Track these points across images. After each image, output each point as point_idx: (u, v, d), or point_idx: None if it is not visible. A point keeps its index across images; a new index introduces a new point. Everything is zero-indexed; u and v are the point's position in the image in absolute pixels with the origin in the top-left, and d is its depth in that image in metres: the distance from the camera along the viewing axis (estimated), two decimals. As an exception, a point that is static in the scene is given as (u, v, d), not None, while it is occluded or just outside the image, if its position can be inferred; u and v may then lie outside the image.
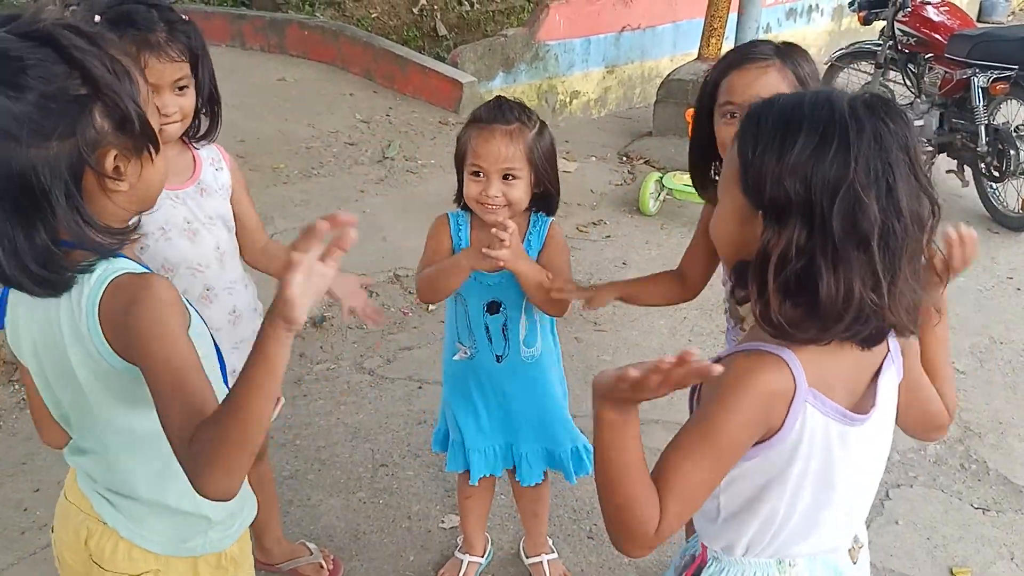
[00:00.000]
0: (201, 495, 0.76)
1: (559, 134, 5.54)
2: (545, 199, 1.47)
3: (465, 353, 1.55)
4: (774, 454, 0.85)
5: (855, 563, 1.00)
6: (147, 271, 0.87)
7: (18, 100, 0.74)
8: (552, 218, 1.51)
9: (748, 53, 1.32)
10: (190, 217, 1.38)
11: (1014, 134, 3.66)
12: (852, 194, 0.75)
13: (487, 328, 1.51)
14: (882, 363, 0.90)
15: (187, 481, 0.88)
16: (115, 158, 0.80)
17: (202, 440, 0.76)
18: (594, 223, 3.82)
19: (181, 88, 1.29)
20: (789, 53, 1.32)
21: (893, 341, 0.92)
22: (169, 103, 1.27)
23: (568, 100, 5.79)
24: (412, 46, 5.50)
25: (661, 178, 3.92)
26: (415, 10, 5.80)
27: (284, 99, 4.69)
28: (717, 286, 1.53)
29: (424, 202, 3.80)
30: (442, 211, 1.56)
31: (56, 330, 0.85)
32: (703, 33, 5.05)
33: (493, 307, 1.49)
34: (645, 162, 4.68)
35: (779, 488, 0.87)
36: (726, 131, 1.32)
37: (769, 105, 0.82)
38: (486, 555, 1.83)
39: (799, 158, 0.76)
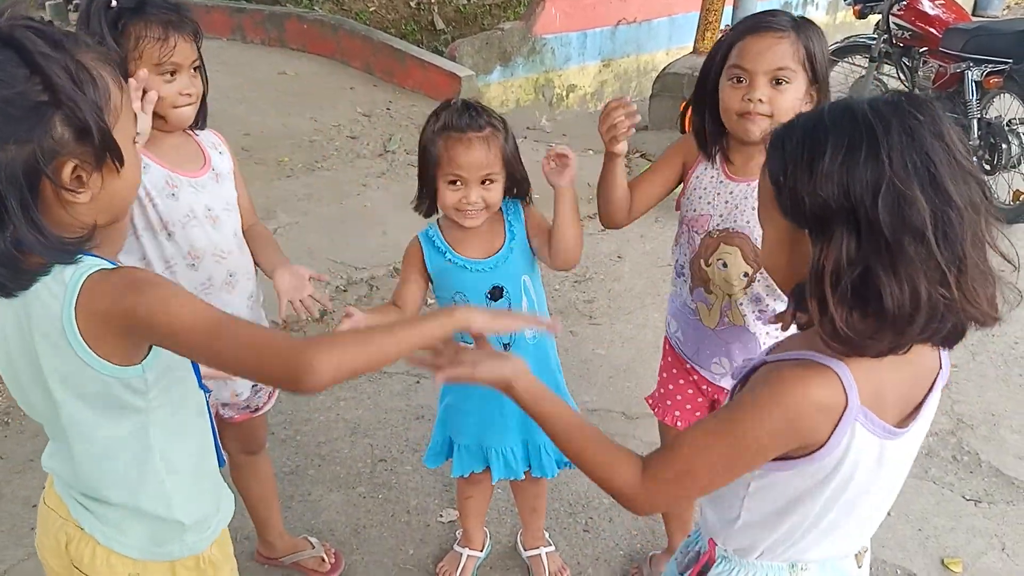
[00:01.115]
0: (306, 378, 0.78)
1: (556, 128, 5.59)
2: (516, 188, 1.47)
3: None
4: (814, 468, 0.83)
5: (860, 567, 1.00)
6: (116, 265, 0.85)
7: None
8: (520, 205, 1.51)
9: (767, 21, 1.33)
10: (210, 204, 1.39)
11: (1006, 128, 3.68)
12: (894, 190, 0.73)
13: None
14: (935, 379, 0.89)
15: (159, 487, 0.93)
16: (74, 168, 0.78)
17: (323, 340, 0.81)
18: (590, 217, 3.82)
19: (195, 70, 1.32)
20: (804, 28, 1.33)
21: (945, 356, 0.90)
22: (189, 83, 1.31)
23: (565, 94, 5.80)
24: (410, 40, 5.50)
25: (658, 172, 3.93)
26: (413, 4, 5.79)
27: (286, 93, 4.70)
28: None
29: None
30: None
31: (27, 334, 0.84)
32: (698, 27, 5.05)
33: (496, 293, 1.48)
34: (641, 155, 4.69)
35: (811, 500, 0.86)
36: (729, 94, 1.35)
37: (790, 126, 0.81)
38: (485, 549, 1.86)
39: (831, 167, 0.75)
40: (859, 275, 0.75)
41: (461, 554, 1.81)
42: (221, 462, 1.08)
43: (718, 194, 1.42)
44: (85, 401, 0.88)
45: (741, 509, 0.91)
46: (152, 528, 0.97)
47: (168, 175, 1.34)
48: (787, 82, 1.31)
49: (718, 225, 1.41)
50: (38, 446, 2.17)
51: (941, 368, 0.90)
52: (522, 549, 1.86)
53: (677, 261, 1.54)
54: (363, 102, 4.79)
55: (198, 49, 1.33)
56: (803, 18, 1.35)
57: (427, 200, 1.46)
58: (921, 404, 0.87)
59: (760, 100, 1.31)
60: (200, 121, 1.40)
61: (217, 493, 1.06)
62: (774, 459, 0.84)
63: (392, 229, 3.52)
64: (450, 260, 1.47)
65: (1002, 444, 2.31)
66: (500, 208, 1.47)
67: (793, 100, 1.32)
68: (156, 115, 1.29)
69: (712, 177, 1.44)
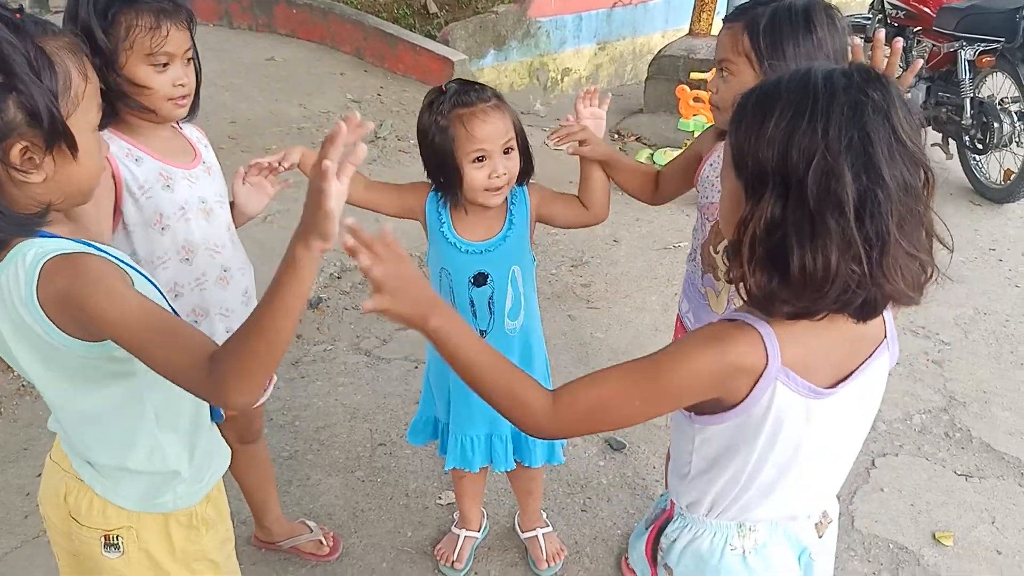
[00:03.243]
0: (226, 407, 0.80)
1: (551, 112, 5.55)
2: (522, 162, 1.45)
3: None
4: (740, 421, 0.87)
5: (820, 537, 1.02)
6: (79, 249, 0.85)
7: None
8: (524, 188, 1.50)
9: (736, 10, 1.35)
10: (204, 196, 1.37)
11: (998, 107, 3.69)
12: (825, 163, 0.74)
13: (472, 302, 1.49)
14: (877, 348, 0.90)
15: (153, 445, 0.94)
16: (23, 150, 0.80)
17: (227, 358, 0.80)
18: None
19: (189, 59, 1.29)
20: (761, 22, 1.26)
21: (891, 327, 0.92)
22: (183, 74, 1.27)
23: (560, 77, 5.76)
24: (402, 24, 5.45)
25: (652, 155, 3.93)
26: (404, -13, 5.73)
27: (274, 79, 4.65)
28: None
29: (417, 181, 3.80)
30: None
31: (10, 314, 0.86)
32: (694, 8, 5.02)
33: (479, 279, 1.48)
34: (636, 139, 4.69)
35: (745, 453, 0.89)
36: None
37: (753, 89, 0.84)
38: (482, 530, 1.87)
39: (774, 131, 0.77)
40: (777, 240, 0.77)
41: (458, 535, 1.82)
42: (217, 416, 1.09)
43: None
44: (66, 375, 0.91)
45: (691, 463, 0.95)
46: (146, 481, 1.00)
47: (162, 167, 1.32)
48: (730, 74, 1.31)
49: None
50: (31, 435, 2.17)
51: (886, 337, 0.92)
52: (519, 530, 1.87)
53: (692, 244, 1.55)
54: (353, 88, 4.75)
55: (192, 37, 1.29)
56: (779, 8, 1.27)
57: (451, 191, 1.41)
58: (858, 368, 0.89)
59: (712, 90, 1.36)
60: (194, 109, 1.37)
61: (211, 447, 1.08)
62: (707, 412, 0.88)
63: (384, 216, 3.50)
64: (444, 233, 1.46)
65: (993, 421, 2.34)
66: (505, 200, 1.46)
67: (733, 93, 1.27)
68: (146, 108, 1.26)
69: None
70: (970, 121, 3.72)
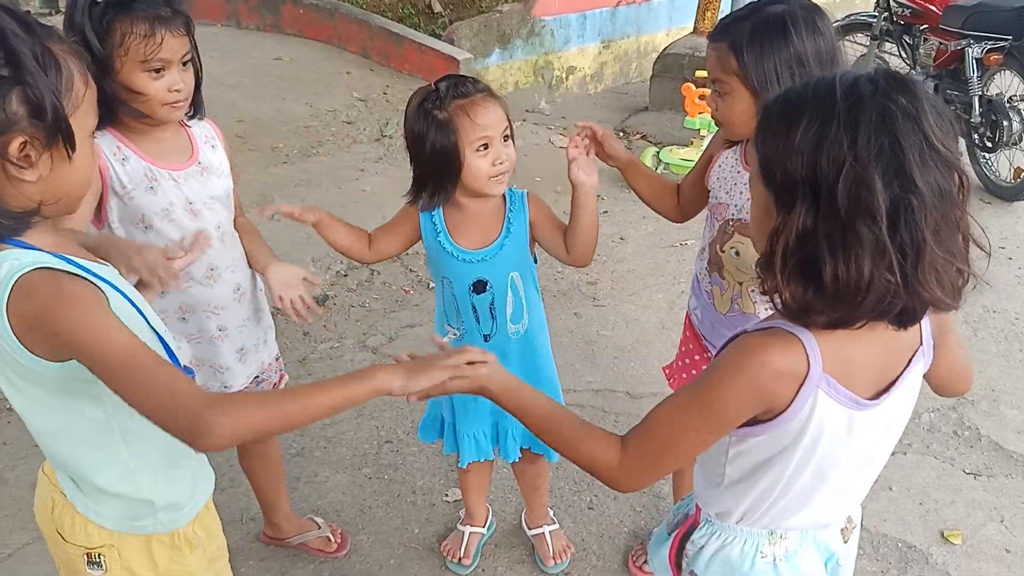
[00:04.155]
0: (197, 448, 0.79)
1: (555, 110, 5.55)
2: None
3: (454, 334, 1.56)
4: (780, 432, 0.85)
5: (846, 542, 1.01)
6: (57, 265, 0.83)
7: None
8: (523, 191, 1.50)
9: (717, 28, 1.33)
10: (192, 197, 1.37)
11: (1007, 105, 3.67)
12: (855, 172, 0.73)
13: (474, 307, 1.50)
14: (914, 355, 0.89)
15: (123, 470, 0.93)
16: (23, 145, 0.79)
17: (239, 411, 0.80)
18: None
19: (185, 64, 1.29)
20: (743, 39, 1.24)
21: (927, 334, 0.91)
22: (179, 79, 1.27)
23: (564, 76, 5.76)
24: (407, 23, 5.45)
25: (658, 153, 3.92)
26: (409, -13, 5.74)
27: (281, 78, 4.66)
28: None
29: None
30: None
31: None
32: (698, 6, 5.01)
33: (479, 286, 1.48)
34: (642, 137, 4.68)
35: (781, 464, 0.88)
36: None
37: (777, 96, 0.83)
38: (488, 526, 1.87)
39: (802, 140, 0.76)
40: (809, 250, 0.76)
41: (464, 532, 1.82)
42: None
43: (735, 184, 1.41)
44: (29, 391, 0.89)
45: (724, 474, 0.94)
46: (123, 504, 0.99)
47: (148, 168, 1.32)
48: (725, 93, 1.29)
49: (734, 215, 1.41)
50: None
51: (922, 344, 0.90)
52: (526, 527, 1.87)
53: (701, 243, 1.55)
54: (359, 87, 4.76)
55: (190, 40, 1.29)
56: (765, 16, 1.25)
57: (445, 188, 1.40)
58: (898, 378, 0.88)
59: (712, 107, 1.36)
60: (194, 111, 1.37)
61: (193, 476, 1.06)
62: (746, 424, 0.86)
63: (391, 213, 3.47)
64: (441, 243, 1.46)
65: (1002, 419, 2.33)
66: (504, 195, 1.46)
67: (736, 112, 1.29)
68: (141, 114, 1.27)
69: (732, 165, 1.43)
70: (979, 119, 3.70)
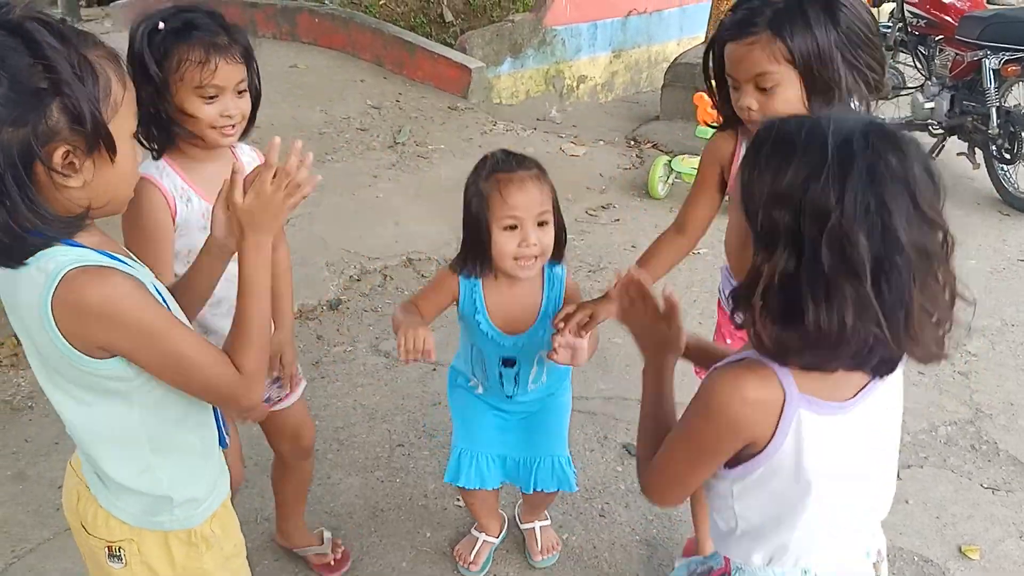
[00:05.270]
0: (252, 405, 0.96)
1: (567, 119, 5.56)
2: (556, 243, 1.43)
3: (477, 386, 1.60)
4: (775, 460, 0.85)
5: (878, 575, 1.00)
6: (105, 262, 0.86)
7: None
8: (563, 268, 1.49)
9: (738, 25, 1.25)
10: None
11: (1026, 116, 3.65)
12: (840, 229, 0.73)
13: (500, 374, 1.53)
14: None
15: (144, 467, 0.98)
16: (66, 154, 0.81)
17: (249, 363, 0.94)
18: (603, 207, 3.83)
19: (240, 92, 1.30)
20: (785, 21, 1.20)
21: None
22: (231, 106, 1.28)
23: (575, 85, 5.78)
24: (420, 32, 5.50)
25: (670, 162, 3.92)
26: (422, -4, 5.79)
27: (296, 86, 4.71)
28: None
29: (435, 186, 3.82)
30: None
31: (24, 314, 0.88)
32: (710, 17, 5.02)
33: (508, 362, 1.51)
34: (653, 146, 4.68)
35: (788, 489, 0.87)
36: (734, 96, 1.31)
37: (769, 130, 0.81)
38: (501, 535, 1.86)
39: (788, 188, 0.75)
40: (791, 294, 0.76)
41: (477, 538, 1.82)
42: (223, 443, 1.09)
43: None
44: (63, 383, 0.92)
45: (736, 517, 0.93)
46: (142, 500, 1.00)
47: (206, 209, 1.32)
48: (774, 85, 1.22)
49: None
50: (62, 429, 2.15)
51: None
52: (519, 521, 1.88)
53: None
54: (373, 94, 4.80)
55: (249, 67, 1.30)
56: (792, 4, 1.20)
57: (478, 259, 1.39)
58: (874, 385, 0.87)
59: (750, 108, 1.27)
60: (248, 132, 1.37)
61: (213, 474, 1.07)
62: (741, 462, 0.87)
63: (404, 220, 3.53)
64: (478, 321, 1.47)
65: (1021, 434, 2.30)
66: (543, 272, 1.46)
67: (786, 103, 1.23)
68: (193, 134, 1.28)
69: None
70: (997, 131, 3.68)
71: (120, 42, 1.28)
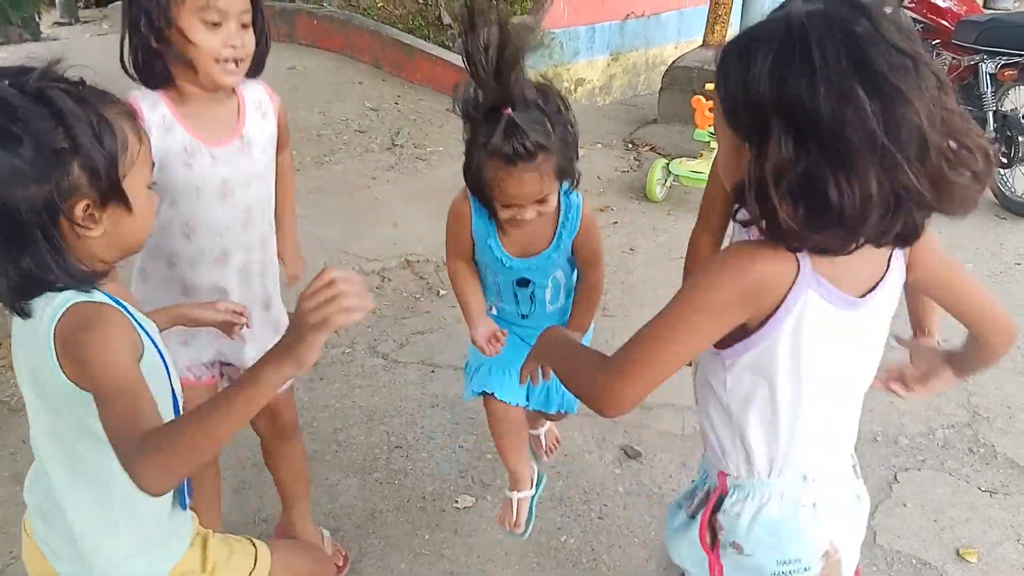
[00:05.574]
0: (138, 487, 0.79)
1: (567, 122, 5.54)
2: (569, 174, 1.40)
3: (491, 309, 1.62)
4: (769, 345, 0.84)
5: (857, 478, 1.01)
6: (107, 301, 0.92)
7: (6, 148, 0.83)
8: (580, 197, 1.47)
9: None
10: (227, 176, 1.31)
11: (1022, 120, 3.66)
12: (833, 88, 0.71)
13: (515, 294, 1.56)
14: (889, 257, 0.89)
15: (108, 523, 0.98)
16: (87, 207, 0.88)
17: (158, 439, 0.80)
18: (601, 210, 3.83)
19: (244, 25, 1.24)
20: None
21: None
22: (236, 37, 1.21)
23: (573, 88, 5.79)
24: (418, 35, 5.51)
25: (668, 164, 3.93)
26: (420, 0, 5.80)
27: (295, 87, 4.71)
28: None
29: (434, 188, 3.82)
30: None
31: (31, 355, 0.92)
32: (708, 20, 5.04)
33: (523, 282, 1.54)
34: (651, 149, 4.69)
35: (780, 374, 0.86)
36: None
37: (733, 40, 0.82)
38: (535, 485, 1.78)
39: (762, 70, 0.75)
40: (803, 172, 0.73)
41: (512, 498, 1.73)
42: (183, 504, 1.08)
43: None
44: (51, 431, 0.95)
45: (729, 408, 0.91)
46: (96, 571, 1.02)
47: (189, 141, 1.27)
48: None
49: None
50: None
51: (892, 251, 0.89)
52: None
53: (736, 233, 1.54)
54: (371, 96, 4.81)
55: (255, 3, 1.23)
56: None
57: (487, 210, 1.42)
58: (883, 278, 0.88)
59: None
60: (256, 70, 1.30)
61: (166, 540, 1.07)
62: (736, 340, 0.85)
63: (402, 221, 3.53)
64: (490, 245, 1.48)
65: (1018, 437, 2.31)
66: (560, 202, 1.44)
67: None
68: (191, 69, 1.21)
69: None
70: (994, 135, 3.70)
71: (118, 44, 1.28)
